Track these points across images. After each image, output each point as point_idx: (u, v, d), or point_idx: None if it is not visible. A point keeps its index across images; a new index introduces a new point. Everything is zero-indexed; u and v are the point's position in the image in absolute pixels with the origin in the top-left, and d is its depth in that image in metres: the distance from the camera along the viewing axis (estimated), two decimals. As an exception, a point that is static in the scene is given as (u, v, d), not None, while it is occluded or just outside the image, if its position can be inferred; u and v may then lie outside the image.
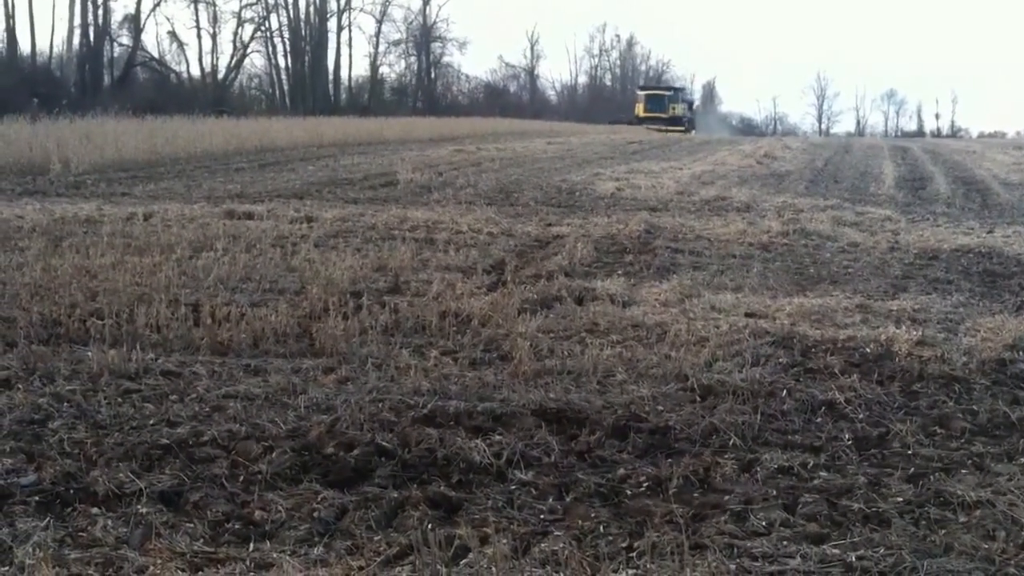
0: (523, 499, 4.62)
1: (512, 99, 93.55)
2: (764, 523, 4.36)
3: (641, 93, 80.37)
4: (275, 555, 4.01)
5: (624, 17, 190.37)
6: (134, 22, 67.75)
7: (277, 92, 76.20)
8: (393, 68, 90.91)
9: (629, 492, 4.74)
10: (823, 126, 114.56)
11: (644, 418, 5.63)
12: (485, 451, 5.04)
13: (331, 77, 78.77)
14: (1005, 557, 4.04)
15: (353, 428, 5.35)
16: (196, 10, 72.23)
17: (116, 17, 67.10)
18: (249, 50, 75.39)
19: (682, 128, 71.42)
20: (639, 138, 50.63)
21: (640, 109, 75.80)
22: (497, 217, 14.53)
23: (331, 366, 6.63)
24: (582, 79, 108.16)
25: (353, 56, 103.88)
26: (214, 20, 73.87)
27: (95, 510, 4.40)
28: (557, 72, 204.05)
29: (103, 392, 5.95)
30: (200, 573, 3.87)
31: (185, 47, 79.39)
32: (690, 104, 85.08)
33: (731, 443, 5.33)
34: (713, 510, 4.50)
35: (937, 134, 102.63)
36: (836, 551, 4.09)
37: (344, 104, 72.09)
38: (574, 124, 69.64)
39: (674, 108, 75.30)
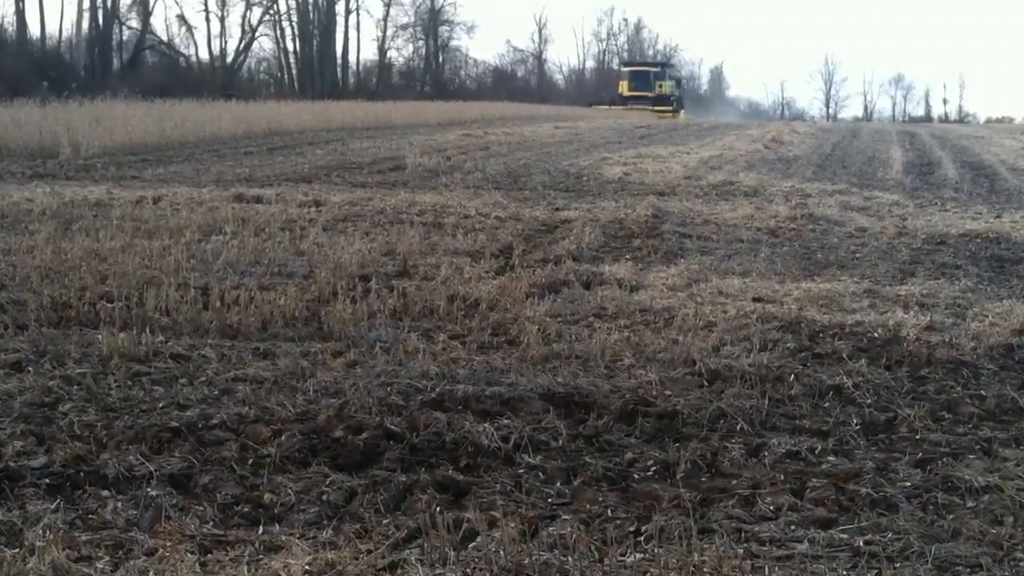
0: (531, 483, 4.64)
1: (520, 83, 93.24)
2: (772, 508, 4.37)
3: (625, 70, 76.28)
4: (284, 538, 4.03)
5: (632, 1, 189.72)
6: (143, 5, 67.63)
7: (285, 76, 76.04)
8: (401, 52, 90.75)
9: (637, 476, 4.76)
10: (831, 111, 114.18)
11: (652, 402, 5.63)
12: (493, 435, 5.05)
13: (339, 61, 78.59)
14: (1013, 542, 4.04)
15: (362, 412, 5.36)
16: (204, -7, 72.14)
17: (125, 0, 67.02)
18: (257, 34, 75.17)
19: (670, 108, 67.71)
20: (647, 123, 50.49)
21: (624, 87, 71.62)
22: (505, 201, 14.52)
23: (340, 350, 6.64)
24: (590, 63, 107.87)
25: (361, 40, 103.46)
26: (223, 3, 73.52)
27: (105, 492, 4.42)
28: (565, 56, 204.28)
29: (113, 375, 5.97)
30: (209, 555, 3.89)
31: (194, 30, 79.03)
32: (678, 81, 79.91)
33: (739, 428, 5.33)
34: (721, 494, 4.51)
35: (945, 119, 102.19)
36: (844, 536, 4.10)
37: (352, 88, 71.77)
38: (582, 108, 68.75)
39: (661, 86, 70.94)
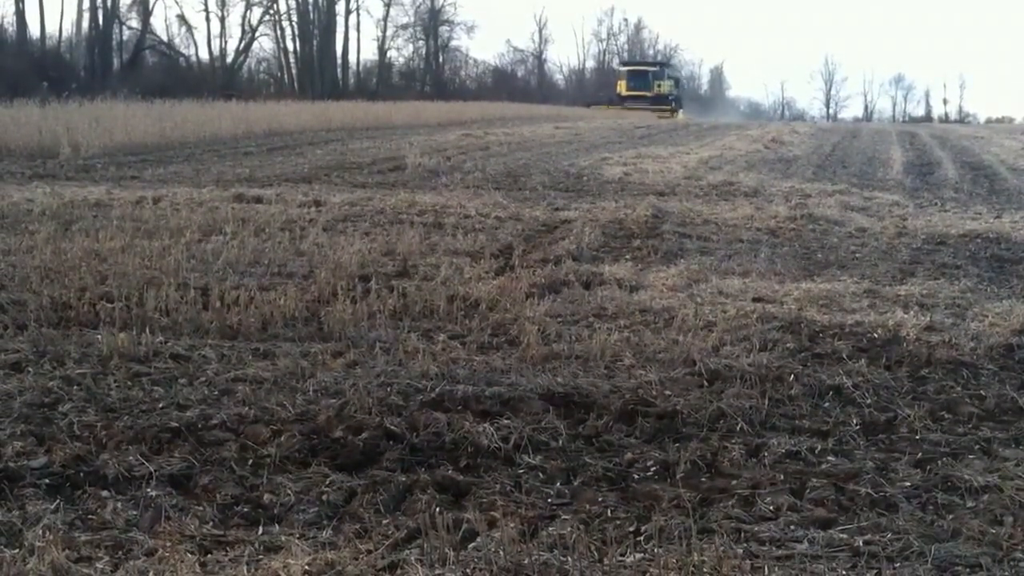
0: (531, 483, 4.64)
1: (520, 83, 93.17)
2: (771, 508, 4.38)
3: (623, 69, 75.33)
4: (284, 538, 4.03)
5: (632, 1, 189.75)
6: (143, 5, 67.59)
7: (285, 76, 75.98)
8: (401, 52, 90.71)
9: (637, 476, 4.76)
10: (831, 111, 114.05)
11: (652, 403, 5.63)
12: (493, 435, 5.06)
13: (339, 61, 78.48)
14: (1012, 542, 4.04)
15: (361, 412, 5.36)
16: (204, -7, 72.10)
17: (125, 0, 67.00)
18: (257, 34, 75.12)
19: (668, 108, 66.88)
20: (647, 123, 50.46)
21: (622, 87, 70.80)
22: (505, 201, 14.51)
23: (339, 350, 6.64)
24: (590, 63, 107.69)
25: (361, 40, 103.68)
26: (223, 3, 73.41)
27: (105, 493, 4.42)
28: (565, 56, 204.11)
29: (113, 375, 5.97)
30: (209, 556, 3.89)
31: (194, 30, 79.06)
32: (677, 81, 78.79)
33: (738, 428, 5.33)
34: (720, 494, 4.51)
35: (945, 119, 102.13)
36: (843, 536, 4.10)
37: (352, 88, 71.67)
38: (581, 108, 68.51)
39: (659, 85, 69.97)
